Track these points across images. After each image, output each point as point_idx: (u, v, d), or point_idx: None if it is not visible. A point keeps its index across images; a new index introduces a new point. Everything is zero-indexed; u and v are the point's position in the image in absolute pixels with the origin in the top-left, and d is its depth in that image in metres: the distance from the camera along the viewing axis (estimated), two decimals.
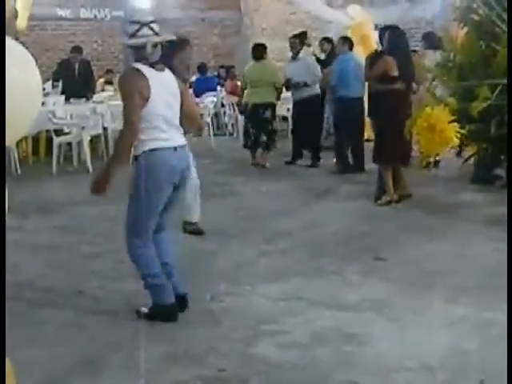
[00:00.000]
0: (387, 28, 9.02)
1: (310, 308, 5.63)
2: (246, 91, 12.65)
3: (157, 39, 5.25)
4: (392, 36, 8.89)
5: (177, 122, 5.36)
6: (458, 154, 7.47)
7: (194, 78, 19.21)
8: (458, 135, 2.76)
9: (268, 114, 12.42)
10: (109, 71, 18.77)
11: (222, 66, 19.40)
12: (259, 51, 12.64)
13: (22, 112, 2.70)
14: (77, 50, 14.94)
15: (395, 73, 8.41)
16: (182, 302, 5.55)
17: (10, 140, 2.94)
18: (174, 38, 5.94)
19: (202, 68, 18.54)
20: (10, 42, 2.73)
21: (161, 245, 5.51)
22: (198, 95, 16.77)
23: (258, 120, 12.44)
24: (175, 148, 5.26)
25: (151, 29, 5.26)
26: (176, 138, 5.32)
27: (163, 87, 5.24)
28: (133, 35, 5.26)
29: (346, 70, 11.71)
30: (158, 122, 5.17)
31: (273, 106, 12.56)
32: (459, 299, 5.68)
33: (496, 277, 6.01)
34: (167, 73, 5.38)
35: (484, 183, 8.46)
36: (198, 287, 6.11)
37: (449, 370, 4.53)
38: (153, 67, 5.21)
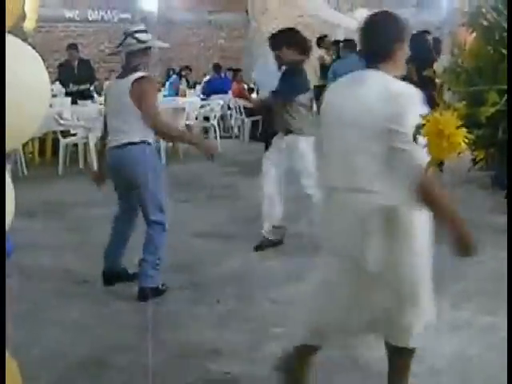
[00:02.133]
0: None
1: None
2: None
3: (138, 47, 5.93)
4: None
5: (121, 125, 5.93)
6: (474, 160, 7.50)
7: (207, 78, 19.28)
8: (467, 140, 2.75)
9: None
10: (114, 72, 18.77)
11: (229, 69, 19.39)
12: None
13: (30, 113, 2.70)
14: (72, 47, 14.77)
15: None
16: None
17: (18, 142, 2.95)
18: (163, 45, 6.74)
19: (216, 68, 18.63)
20: (18, 43, 2.73)
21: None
22: (209, 95, 16.83)
23: None
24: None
25: (135, 38, 5.93)
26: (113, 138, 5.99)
27: (110, 95, 6.20)
28: (120, 45, 6.07)
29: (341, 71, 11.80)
30: None
31: None
32: (463, 304, 5.67)
33: (501, 282, 6.00)
34: (125, 80, 5.92)
35: (502, 188, 8.45)
36: (205, 290, 6.13)
37: (453, 375, 4.53)
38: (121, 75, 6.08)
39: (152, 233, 6.04)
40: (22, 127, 2.70)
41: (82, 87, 14.00)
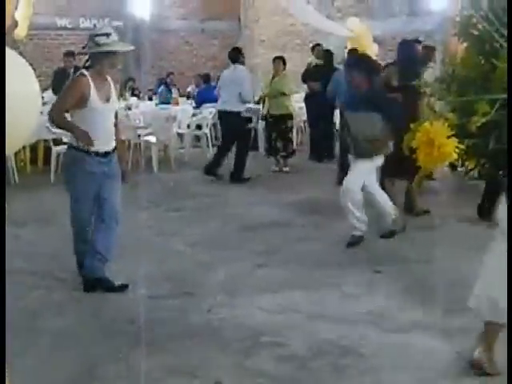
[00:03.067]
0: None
1: (308, 320, 5.63)
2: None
3: (96, 50, 6.19)
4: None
5: None
6: (454, 168, 7.51)
7: (191, 88, 19.30)
8: (457, 150, 2.76)
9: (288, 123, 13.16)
10: None
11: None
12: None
13: (21, 122, 2.70)
14: (69, 55, 14.79)
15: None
16: None
17: (9, 150, 2.94)
18: (122, 49, 6.54)
19: (205, 78, 18.69)
20: (9, 52, 2.73)
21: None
22: (200, 104, 16.87)
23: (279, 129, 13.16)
24: None
25: (94, 42, 6.20)
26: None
27: None
28: (83, 47, 6.44)
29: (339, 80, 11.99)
30: None
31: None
32: (459, 312, 5.66)
33: None
34: None
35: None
36: (196, 299, 6.13)
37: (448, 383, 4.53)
38: None
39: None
40: (13, 136, 2.69)
41: None
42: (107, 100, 6.29)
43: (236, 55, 12.58)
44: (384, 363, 4.84)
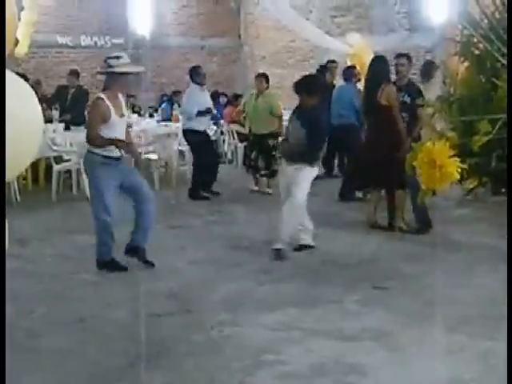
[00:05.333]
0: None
1: (310, 338, 5.62)
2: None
3: (107, 71, 7.37)
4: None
5: None
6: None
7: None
8: (459, 170, 2.78)
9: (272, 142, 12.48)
10: None
11: (223, 94, 19.39)
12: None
13: (24, 147, 2.70)
14: (73, 73, 14.86)
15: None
16: None
17: (12, 174, 2.95)
18: (132, 70, 7.77)
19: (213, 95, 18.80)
20: (10, 76, 2.74)
21: None
22: None
23: (262, 148, 12.60)
24: None
25: (107, 63, 7.32)
26: None
27: None
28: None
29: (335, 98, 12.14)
30: None
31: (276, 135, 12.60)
32: (460, 328, 5.67)
33: (498, 307, 5.99)
34: None
35: None
36: (199, 316, 6.13)
37: None
38: None
39: None
40: (17, 160, 2.70)
41: (75, 114, 13.94)
42: (122, 115, 7.43)
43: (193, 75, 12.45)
44: (387, 381, 4.83)
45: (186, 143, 13.06)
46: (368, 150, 9.22)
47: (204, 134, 12.38)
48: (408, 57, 9.62)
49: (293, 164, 8.04)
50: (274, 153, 12.40)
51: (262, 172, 12.63)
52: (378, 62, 9.52)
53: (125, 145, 7.32)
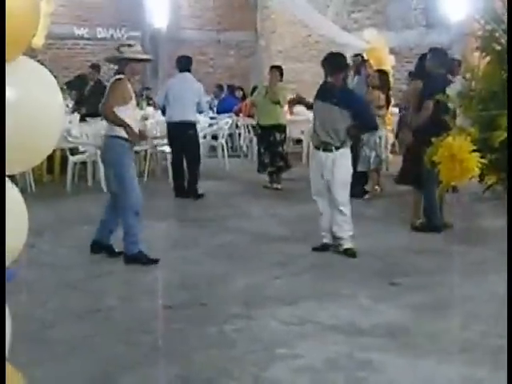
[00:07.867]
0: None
1: (323, 332, 5.62)
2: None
3: (118, 57, 7.56)
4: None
5: None
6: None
7: (209, 98, 19.29)
8: (479, 165, 2.75)
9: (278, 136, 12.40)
10: None
11: (239, 87, 19.40)
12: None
13: (45, 134, 2.70)
14: (95, 67, 15.02)
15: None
16: None
17: (33, 162, 2.95)
18: (141, 57, 7.80)
19: (230, 88, 18.93)
20: (31, 64, 2.73)
21: None
22: (221, 113, 16.93)
23: (269, 142, 12.45)
24: None
25: (119, 51, 7.54)
26: None
27: None
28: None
29: None
30: None
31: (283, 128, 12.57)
32: (473, 326, 5.65)
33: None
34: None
35: None
36: (212, 310, 6.12)
37: None
38: None
39: None
40: (37, 149, 2.70)
41: (91, 106, 13.95)
42: (132, 99, 7.58)
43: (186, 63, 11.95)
44: (398, 377, 4.82)
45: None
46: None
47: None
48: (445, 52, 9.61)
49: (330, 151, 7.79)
50: (279, 148, 12.41)
51: (269, 169, 12.51)
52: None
53: (133, 131, 7.41)
